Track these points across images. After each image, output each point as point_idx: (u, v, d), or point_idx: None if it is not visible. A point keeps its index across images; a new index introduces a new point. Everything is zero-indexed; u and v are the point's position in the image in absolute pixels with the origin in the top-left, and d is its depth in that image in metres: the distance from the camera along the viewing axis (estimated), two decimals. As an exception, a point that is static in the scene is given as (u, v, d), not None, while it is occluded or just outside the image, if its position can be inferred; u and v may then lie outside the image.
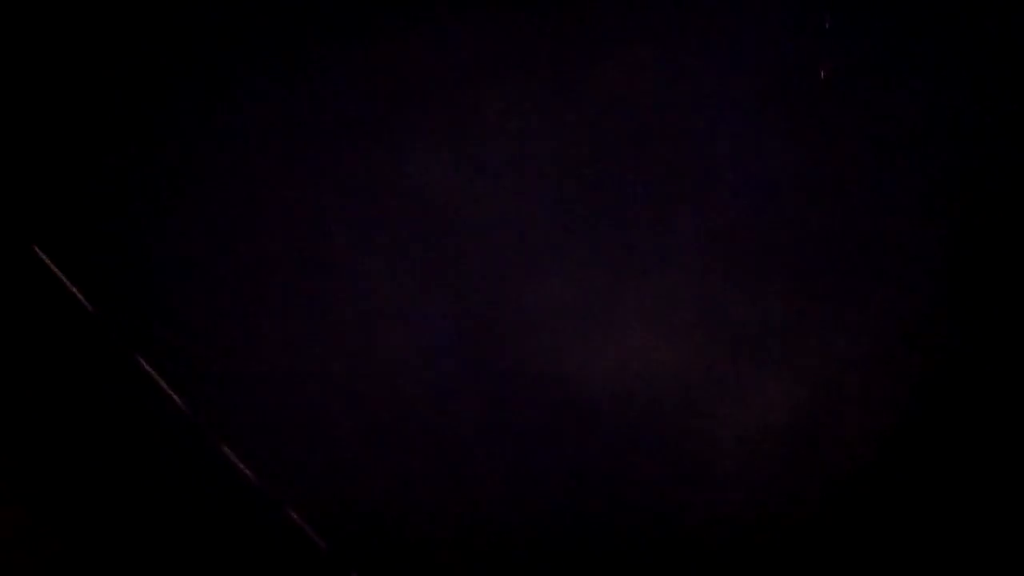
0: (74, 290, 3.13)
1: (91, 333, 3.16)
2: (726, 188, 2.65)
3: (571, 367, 2.99)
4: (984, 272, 2.71)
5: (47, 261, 3.11)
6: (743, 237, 2.70)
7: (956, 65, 2.39)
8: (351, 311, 3.11)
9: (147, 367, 3.22)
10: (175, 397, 3.25)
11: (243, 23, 2.71)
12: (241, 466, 3.32)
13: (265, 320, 3.21)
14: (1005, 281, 2.69)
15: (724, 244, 2.73)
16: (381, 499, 3.38)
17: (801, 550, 3.17)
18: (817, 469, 3.07)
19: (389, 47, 2.60)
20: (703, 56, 2.46)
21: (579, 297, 2.88)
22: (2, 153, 3.05)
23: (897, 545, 3.13)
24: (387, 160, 2.83)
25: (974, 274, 2.72)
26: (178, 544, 3.24)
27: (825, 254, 2.73)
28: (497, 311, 2.96)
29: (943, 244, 2.68)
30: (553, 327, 2.94)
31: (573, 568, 3.31)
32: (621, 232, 2.77)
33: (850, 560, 3.16)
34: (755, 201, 2.65)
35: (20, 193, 3.10)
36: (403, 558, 3.43)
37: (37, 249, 3.11)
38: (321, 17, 2.60)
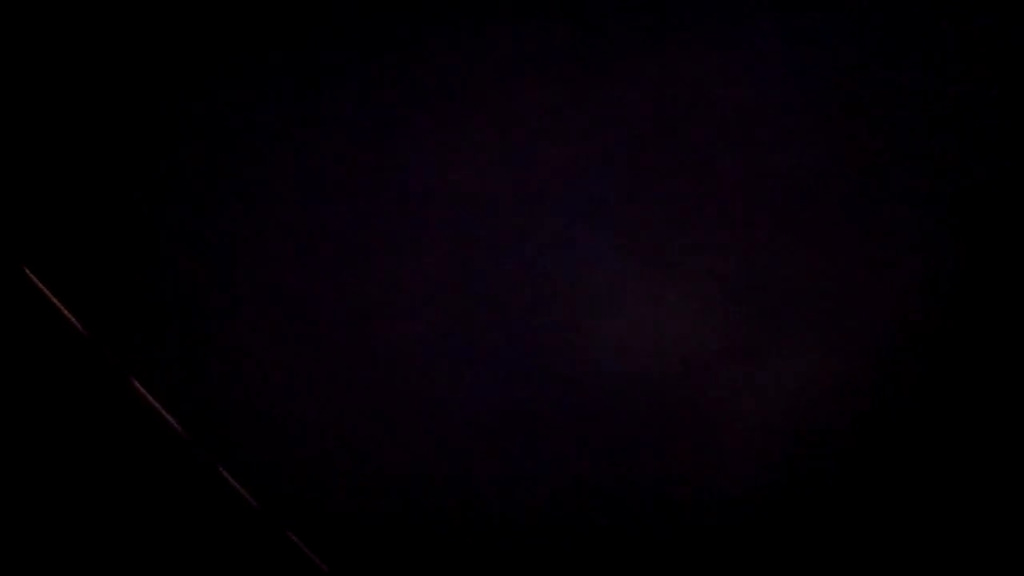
0: (66, 313, 3.03)
1: (85, 357, 3.01)
2: (743, 175, 2.83)
3: (581, 347, 3.20)
4: (1011, 252, 2.82)
5: (38, 283, 3.00)
6: (759, 217, 2.87)
7: (981, 64, 2.54)
8: (357, 313, 3.41)
9: (143, 391, 3.11)
10: (171, 420, 3.14)
11: (250, 19, 2.78)
12: (241, 489, 3.23)
13: (267, 342, 3.36)
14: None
15: (739, 224, 2.90)
16: (387, 514, 3.44)
17: (814, 528, 3.38)
18: (835, 446, 3.21)
19: (406, 45, 2.80)
20: (734, 49, 2.67)
21: (589, 278, 3.09)
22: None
23: (912, 525, 3.32)
24: (392, 148, 3.01)
25: (999, 254, 2.83)
26: (176, 570, 2.98)
27: (847, 233, 2.85)
28: (505, 292, 3.19)
29: (964, 231, 2.78)
30: (562, 307, 3.16)
31: (583, 553, 3.56)
32: (635, 214, 2.97)
33: (866, 538, 3.37)
34: (774, 184, 2.82)
35: (9, 212, 3.02)
36: (407, 568, 3.47)
37: (27, 271, 2.99)
38: (333, 18, 2.76)
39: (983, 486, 3.21)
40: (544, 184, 3.04)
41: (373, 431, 3.43)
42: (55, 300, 3.01)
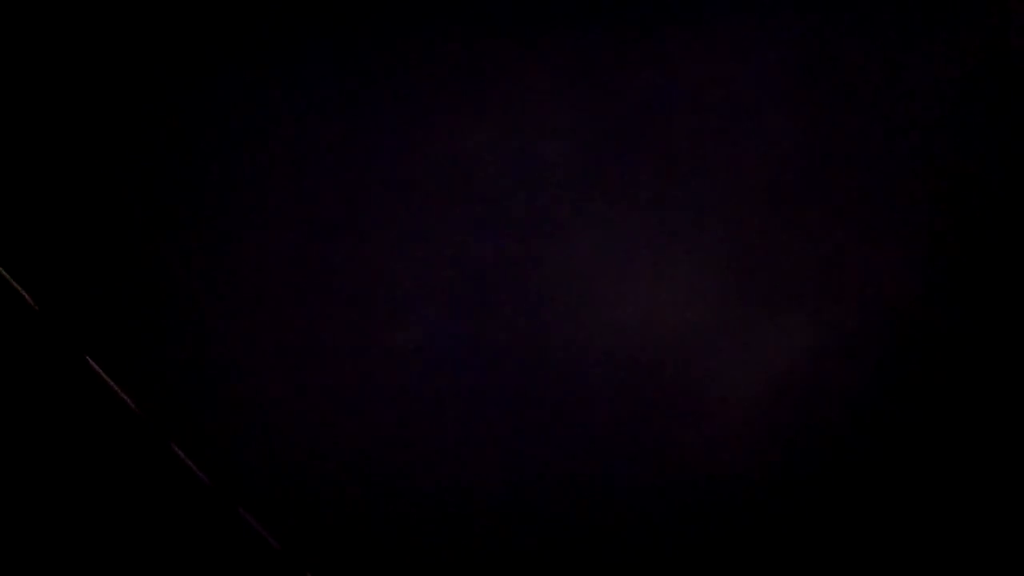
0: (18, 287, 3.01)
1: (37, 334, 3.00)
2: (735, 153, 2.86)
3: (576, 329, 3.22)
4: (999, 226, 2.83)
5: (-11, 257, 2.98)
6: (750, 195, 2.90)
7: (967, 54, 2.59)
8: (319, 290, 3.41)
9: (96, 368, 3.11)
10: (126, 399, 3.15)
11: (240, 6, 2.79)
12: (192, 465, 3.26)
13: (220, 316, 3.36)
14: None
15: (731, 199, 2.92)
16: (340, 492, 3.48)
17: (808, 505, 3.38)
18: (827, 422, 3.23)
19: (404, 38, 2.82)
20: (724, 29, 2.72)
21: (584, 259, 3.10)
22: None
23: (908, 498, 3.30)
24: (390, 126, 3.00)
25: (988, 228, 2.84)
26: (125, 544, 3.01)
27: (838, 207, 2.88)
28: (499, 275, 3.20)
29: (952, 208, 2.82)
30: (559, 290, 3.18)
31: (574, 535, 3.54)
32: (628, 192, 2.98)
33: (860, 514, 3.34)
34: (764, 162, 2.86)
35: (-39, 188, 2.98)
36: (365, 558, 3.52)
37: (-22, 244, 2.97)
38: (325, 10, 2.78)
39: (973, 458, 3.24)
40: (539, 169, 3.05)
41: (331, 409, 3.44)
42: (6, 274, 2.99)
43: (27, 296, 3.01)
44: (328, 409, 3.43)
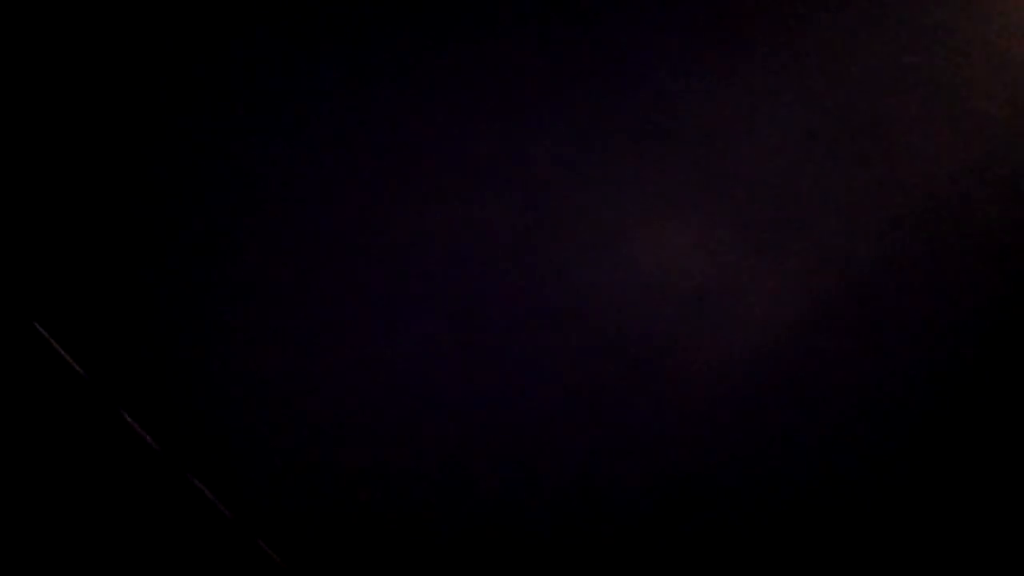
0: (-30, 257, 3.14)
1: (-14, 300, 3.14)
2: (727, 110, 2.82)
3: (576, 281, 3.09)
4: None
5: (-58, 229, 3.12)
6: (743, 154, 2.86)
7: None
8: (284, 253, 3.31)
9: (45, 334, 3.22)
10: (75, 365, 3.25)
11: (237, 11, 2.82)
12: (142, 432, 3.32)
13: (176, 277, 3.35)
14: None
15: (727, 155, 2.88)
16: (294, 460, 3.45)
17: (807, 460, 3.21)
18: (830, 375, 3.11)
19: (403, 39, 2.80)
20: None
21: (583, 210, 3.00)
22: None
23: (902, 458, 3.14)
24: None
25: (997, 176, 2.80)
26: (75, 515, 3.13)
27: (839, 155, 2.85)
28: (498, 264, 3.09)
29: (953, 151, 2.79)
30: (560, 240, 3.06)
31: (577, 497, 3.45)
32: (623, 142, 2.90)
33: (860, 472, 3.17)
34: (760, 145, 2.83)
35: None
36: (315, 518, 3.48)
37: (-68, 217, 3.12)
38: (328, 12, 2.78)
39: (977, 436, 3.08)
40: (536, 161, 2.95)
41: (285, 377, 3.39)
42: (-41, 245, 3.14)
43: (-21, 266, 3.14)
44: (282, 377, 3.37)
